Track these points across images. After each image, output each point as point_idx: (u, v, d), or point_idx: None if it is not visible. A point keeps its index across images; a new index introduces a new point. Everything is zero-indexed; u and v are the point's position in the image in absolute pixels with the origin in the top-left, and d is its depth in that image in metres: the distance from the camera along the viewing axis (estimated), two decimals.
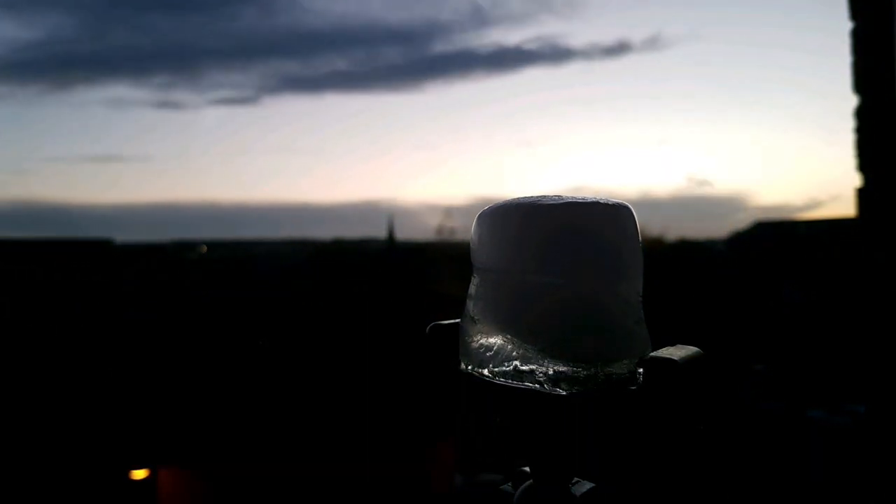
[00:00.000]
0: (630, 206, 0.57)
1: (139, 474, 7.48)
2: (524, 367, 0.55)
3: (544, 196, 0.57)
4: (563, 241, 0.55)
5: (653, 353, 0.54)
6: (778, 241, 16.61)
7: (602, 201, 0.56)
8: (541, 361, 0.55)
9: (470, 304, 0.60)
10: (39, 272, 14.00)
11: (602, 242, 0.55)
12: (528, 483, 0.59)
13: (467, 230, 0.62)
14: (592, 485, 0.60)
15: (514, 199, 0.58)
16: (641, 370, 0.54)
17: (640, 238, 0.58)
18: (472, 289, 0.60)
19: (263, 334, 9.55)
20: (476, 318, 0.59)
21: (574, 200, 0.56)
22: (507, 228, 0.57)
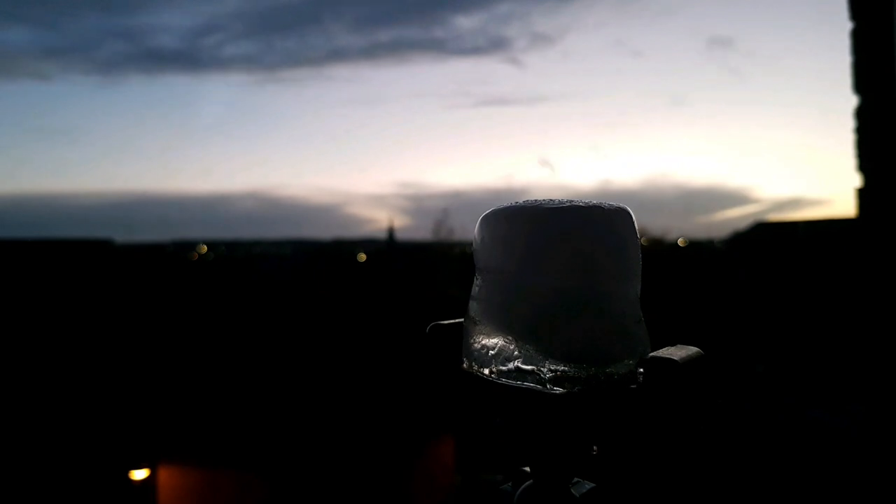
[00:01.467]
0: (629, 210, 0.58)
1: (139, 474, 7.49)
2: (525, 367, 0.56)
3: (546, 200, 0.58)
4: (563, 244, 0.55)
5: (653, 353, 0.54)
6: (778, 241, 16.62)
7: (602, 205, 0.57)
8: (541, 362, 0.55)
9: (472, 305, 0.60)
10: (39, 272, 13.99)
11: (602, 245, 0.56)
12: (528, 483, 0.60)
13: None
14: (592, 485, 0.60)
15: (517, 202, 0.59)
16: (641, 370, 0.54)
17: (638, 240, 0.58)
18: (474, 290, 0.61)
19: (263, 334, 9.55)
20: (477, 318, 0.59)
21: (574, 204, 0.57)
22: (508, 231, 0.58)
